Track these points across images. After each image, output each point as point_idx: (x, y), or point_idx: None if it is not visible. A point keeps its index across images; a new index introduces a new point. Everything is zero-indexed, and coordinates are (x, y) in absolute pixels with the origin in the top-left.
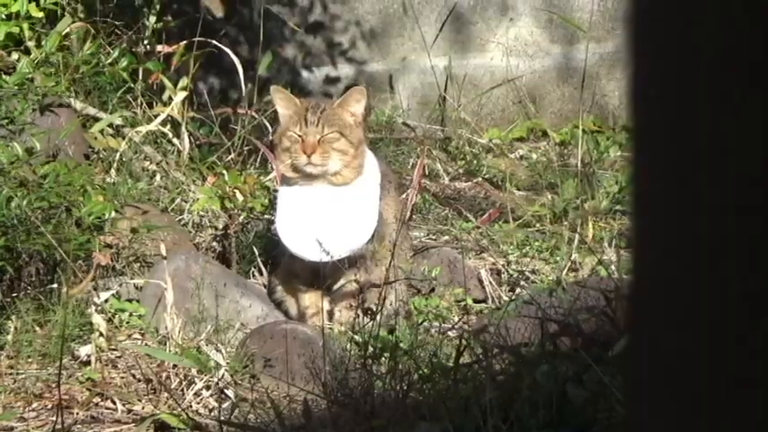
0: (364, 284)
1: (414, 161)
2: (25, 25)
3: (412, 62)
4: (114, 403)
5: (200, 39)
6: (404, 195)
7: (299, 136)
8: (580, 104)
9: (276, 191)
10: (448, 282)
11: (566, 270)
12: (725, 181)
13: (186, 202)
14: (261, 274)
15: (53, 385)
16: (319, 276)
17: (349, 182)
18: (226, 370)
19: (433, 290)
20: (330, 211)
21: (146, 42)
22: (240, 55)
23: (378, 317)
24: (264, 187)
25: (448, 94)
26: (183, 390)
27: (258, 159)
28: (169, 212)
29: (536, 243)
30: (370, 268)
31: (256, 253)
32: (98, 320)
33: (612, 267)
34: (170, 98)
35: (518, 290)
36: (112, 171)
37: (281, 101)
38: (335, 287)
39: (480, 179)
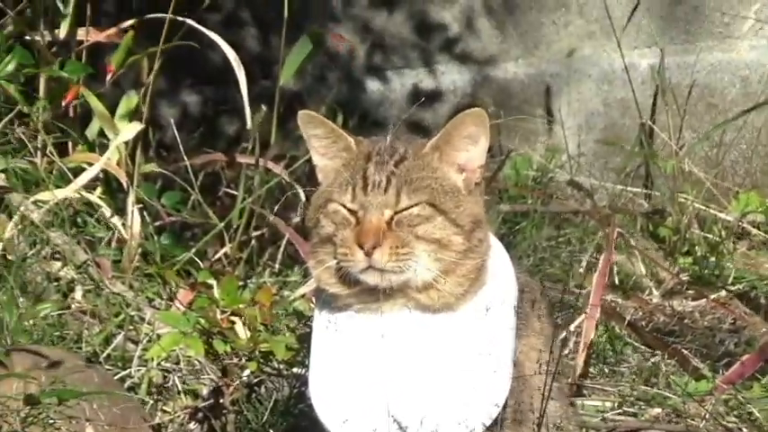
0: None
1: (590, 259)
2: None
3: (585, 60)
4: None
5: (162, 15)
6: (570, 327)
7: (352, 212)
8: None
9: (311, 320)
10: None
11: None
12: None
13: (136, 342)
14: None
15: None
16: None
17: (452, 304)
18: None
19: None
20: (417, 365)
21: (53, 24)
22: (244, 49)
23: None
24: (294, 311)
25: (657, 121)
26: None
27: (281, 255)
28: (101, 363)
29: None
30: None
31: None
32: None
33: None
34: (102, 135)
35: None
36: None
37: (318, 139)
38: None
39: (724, 293)
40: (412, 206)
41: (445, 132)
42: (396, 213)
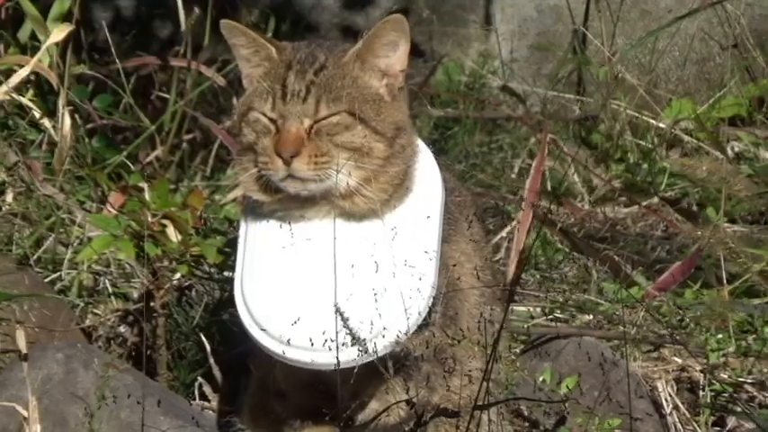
0: (422, 411)
1: (523, 164)
2: None
3: None
4: None
5: None
6: (502, 233)
7: (272, 120)
8: None
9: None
10: (592, 403)
11: None
12: None
13: (66, 245)
14: (216, 390)
15: None
16: (328, 399)
17: (377, 210)
18: None
19: (563, 420)
20: (342, 271)
21: None
22: None
23: None
24: (225, 216)
25: (590, 28)
26: None
27: (211, 159)
28: (32, 267)
29: None
30: (432, 379)
31: (207, 348)
32: None
33: None
34: (34, 38)
35: (731, 421)
36: None
37: (241, 48)
38: (361, 418)
39: (656, 200)
40: (331, 115)
41: (366, 40)
42: (315, 122)
